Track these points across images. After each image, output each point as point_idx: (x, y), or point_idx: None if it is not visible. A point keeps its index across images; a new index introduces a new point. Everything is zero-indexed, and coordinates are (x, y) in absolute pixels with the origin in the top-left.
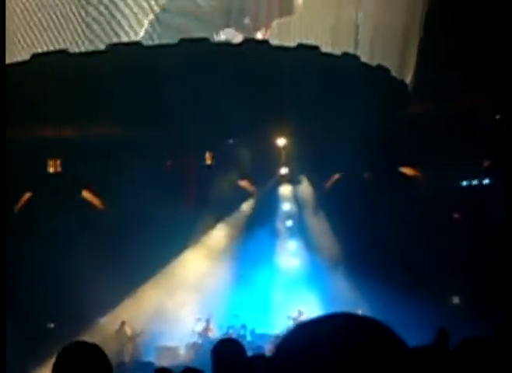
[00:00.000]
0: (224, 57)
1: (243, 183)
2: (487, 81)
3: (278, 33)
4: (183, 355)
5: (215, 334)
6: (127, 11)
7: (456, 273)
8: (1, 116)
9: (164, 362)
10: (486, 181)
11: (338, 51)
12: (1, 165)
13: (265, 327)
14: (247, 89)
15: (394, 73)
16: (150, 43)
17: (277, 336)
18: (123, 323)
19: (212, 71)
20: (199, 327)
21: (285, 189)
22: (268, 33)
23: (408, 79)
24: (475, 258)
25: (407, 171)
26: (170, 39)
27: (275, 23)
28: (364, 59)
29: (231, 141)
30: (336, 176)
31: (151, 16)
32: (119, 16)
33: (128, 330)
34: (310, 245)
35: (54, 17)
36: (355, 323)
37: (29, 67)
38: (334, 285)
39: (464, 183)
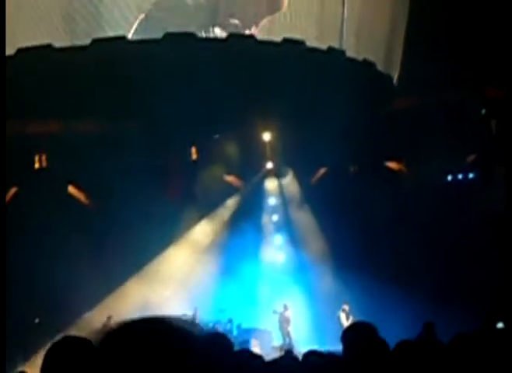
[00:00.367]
0: (209, 53)
1: (229, 178)
2: (472, 76)
3: (262, 28)
4: None
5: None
6: (111, 6)
7: (443, 267)
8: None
9: None
10: (471, 175)
11: (323, 46)
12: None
13: (252, 322)
14: (233, 84)
15: (379, 67)
16: (135, 37)
17: (262, 331)
18: (109, 318)
19: (197, 67)
20: None
21: (271, 184)
22: (256, 32)
23: (393, 73)
24: (462, 252)
25: (392, 165)
26: (156, 34)
27: (263, 22)
28: (350, 53)
29: (216, 136)
30: (322, 170)
31: (136, 11)
32: (104, 11)
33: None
34: (295, 240)
35: (38, 11)
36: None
37: (14, 62)
38: (320, 279)
39: (450, 178)
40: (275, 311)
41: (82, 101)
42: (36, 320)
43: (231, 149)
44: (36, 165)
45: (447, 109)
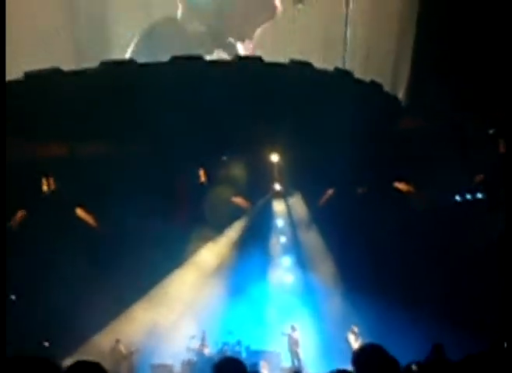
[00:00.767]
0: (217, 75)
1: (237, 200)
2: (479, 96)
3: (270, 49)
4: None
5: (210, 351)
6: (119, 29)
7: (452, 288)
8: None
9: None
10: (479, 195)
11: (330, 67)
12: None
13: (260, 344)
14: (240, 106)
15: (386, 88)
16: (140, 60)
17: (271, 353)
18: (117, 341)
19: (205, 89)
20: (194, 344)
21: (278, 205)
22: (252, 46)
23: (401, 94)
24: (470, 272)
25: (400, 186)
26: (160, 58)
27: (257, 33)
28: (357, 74)
29: (224, 158)
30: (330, 192)
31: (139, 36)
32: (110, 34)
33: (123, 348)
34: (303, 261)
35: (44, 35)
36: None
37: (22, 85)
38: (328, 301)
39: (458, 198)
40: (283, 333)
41: (89, 124)
42: (46, 343)
43: (239, 171)
44: (44, 188)
45: (454, 129)
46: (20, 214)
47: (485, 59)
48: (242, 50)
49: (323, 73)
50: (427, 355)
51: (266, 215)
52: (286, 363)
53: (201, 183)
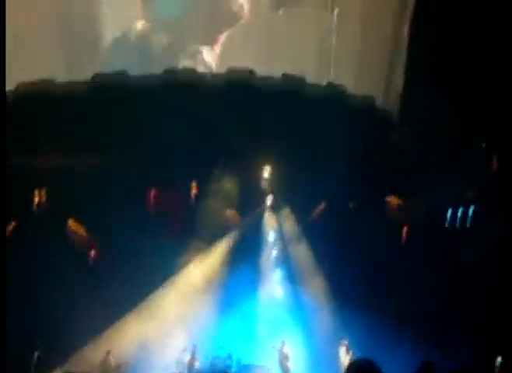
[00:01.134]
0: (208, 87)
1: (229, 214)
2: (472, 110)
3: (262, 62)
4: None
5: (200, 365)
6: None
7: (444, 305)
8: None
9: None
10: (472, 209)
11: (323, 81)
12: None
13: (251, 358)
14: (233, 119)
15: (379, 102)
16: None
17: (262, 367)
18: (108, 353)
19: (197, 101)
20: (184, 358)
21: (269, 220)
22: (217, 47)
23: (393, 108)
24: (462, 288)
25: (392, 200)
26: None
27: (224, 36)
28: (349, 88)
29: (217, 171)
30: (321, 206)
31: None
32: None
33: (113, 360)
34: (294, 276)
35: (37, 46)
36: None
37: (14, 96)
38: (318, 315)
39: (450, 212)
40: (274, 348)
41: (82, 136)
42: (36, 354)
43: (231, 185)
44: (36, 200)
45: (446, 143)
46: (12, 225)
47: (478, 72)
48: (207, 57)
49: (315, 87)
50: (415, 371)
51: (257, 229)
52: None
53: (194, 196)
